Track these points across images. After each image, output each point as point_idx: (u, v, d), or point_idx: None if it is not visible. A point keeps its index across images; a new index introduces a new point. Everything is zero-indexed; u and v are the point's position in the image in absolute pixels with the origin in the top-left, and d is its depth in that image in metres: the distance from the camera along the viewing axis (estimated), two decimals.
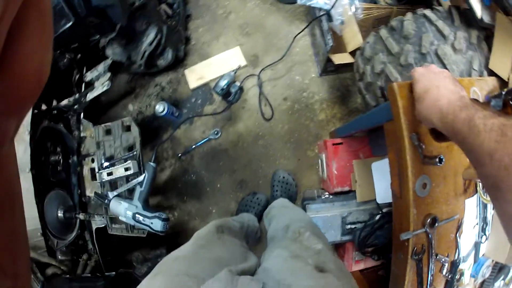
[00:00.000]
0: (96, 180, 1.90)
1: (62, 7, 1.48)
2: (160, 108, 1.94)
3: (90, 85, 1.97)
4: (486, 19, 1.19)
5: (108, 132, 1.87)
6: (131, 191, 1.65)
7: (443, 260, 1.03)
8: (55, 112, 1.89)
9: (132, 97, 2.34)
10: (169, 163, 2.18)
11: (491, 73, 1.21)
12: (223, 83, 1.96)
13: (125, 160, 1.77)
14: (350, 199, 1.77)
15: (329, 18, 1.87)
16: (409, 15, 1.34)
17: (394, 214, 1.09)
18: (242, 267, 0.89)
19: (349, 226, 1.73)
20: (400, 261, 1.04)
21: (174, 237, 2.10)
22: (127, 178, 1.76)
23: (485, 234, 1.10)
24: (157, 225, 1.47)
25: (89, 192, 1.94)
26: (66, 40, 1.74)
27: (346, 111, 2.12)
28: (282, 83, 2.18)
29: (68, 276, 1.63)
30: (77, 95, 1.93)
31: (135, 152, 1.77)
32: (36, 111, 1.71)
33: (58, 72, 1.91)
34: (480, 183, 1.06)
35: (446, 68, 1.19)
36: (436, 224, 0.98)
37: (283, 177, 1.97)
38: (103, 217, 1.84)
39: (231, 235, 1.20)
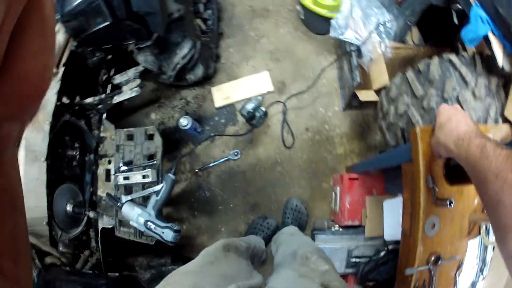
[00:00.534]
0: (110, 181, 1.97)
1: (99, 5, 1.53)
2: (184, 122, 2.01)
3: (117, 88, 2.05)
4: (507, 67, 1.30)
5: (130, 137, 1.92)
6: (145, 198, 1.71)
7: None
8: (77, 108, 1.95)
9: (155, 106, 2.44)
10: (185, 176, 2.25)
11: (506, 120, 1.32)
12: (250, 106, 2.03)
13: (144, 168, 1.82)
14: (359, 233, 1.85)
15: (359, 53, 1.98)
16: (435, 60, 1.45)
17: (401, 250, 1.18)
18: (249, 283, 0.98)
19: (354, 260, 1.80)
20: None
21: (179, 249, 2.15)
22: (143, 185, 1.81)
23: (482, 274, 1.18)
24: (168, 235, 1.52)
25: (101, 192, 2.00)
26: (99, 39, 1.78)
27: (364, 147, 2.22)
28: (306, 113, 2.29)
29: (68, 268, 1.64)
30: (103, 95, 2.00)
31: (155, 162, 1.82)
32: (59, 103, 1.74)
33: (86, 69, 1.95)
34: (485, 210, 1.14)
35: None
36: (439, 263, 1.07)
37: (296, 206, 2.06)
38: (112, 218, 1.87)
39: (237, 254, 1.28)
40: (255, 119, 2.08)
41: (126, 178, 1.83)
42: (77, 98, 1.97)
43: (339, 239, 1.84)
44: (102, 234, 1.90)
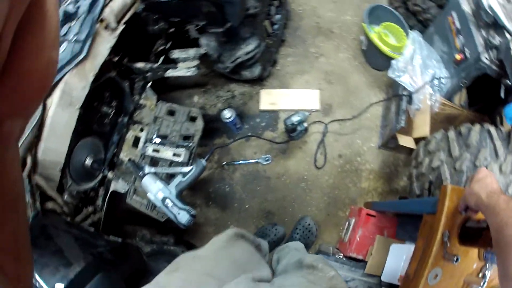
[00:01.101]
0: (136, 148, 2.03)
1: None
2: (228, 114, 2.15)
3: (172, 62, 2.12)
4: None
5: (171, 113, 2.02)
6: (169, 176, 1.78)
7: None
8: (124, 68, 2.02)
9: (201, 90, 2.58)
10: (210, 165, 2.38)
11: None
12: (295, 118, 2.11)
13: (177, 146, 1.92)
14: (358, 268, 1.97)
15: (410, 100, 2.13)
16: (477, 127, 1.59)
17: None
18: (260, 274, 1.08)
19: None
20: None
21: (182, 232, 2.19)
22: (170, 163, 1.90)
23: None
24: (183, 218, 1.58)
25: (124, 156, 2.06)
26: (169, 9, 1.84)
27: (387, 189, 2.35)
28: (343, 140, 2.44)
29: (68, 219, 1.65)
30: (155, 65, 2.07)
31: (191, 144, 1.93)
32: (108, 57, 1.76)
33: (144, 34, 2.01)
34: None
35: None
36: None
37: (309, 224, 2.18)
38: (127, 184, 1.93)
39: (248, 243, 1.36)
40: (295, 132, 2.20)
41: (155, 151, 1.92)
42: (125, 60, 2.04)
43: (339, 268, 1.94)
44: (110, 196, 1.97)
